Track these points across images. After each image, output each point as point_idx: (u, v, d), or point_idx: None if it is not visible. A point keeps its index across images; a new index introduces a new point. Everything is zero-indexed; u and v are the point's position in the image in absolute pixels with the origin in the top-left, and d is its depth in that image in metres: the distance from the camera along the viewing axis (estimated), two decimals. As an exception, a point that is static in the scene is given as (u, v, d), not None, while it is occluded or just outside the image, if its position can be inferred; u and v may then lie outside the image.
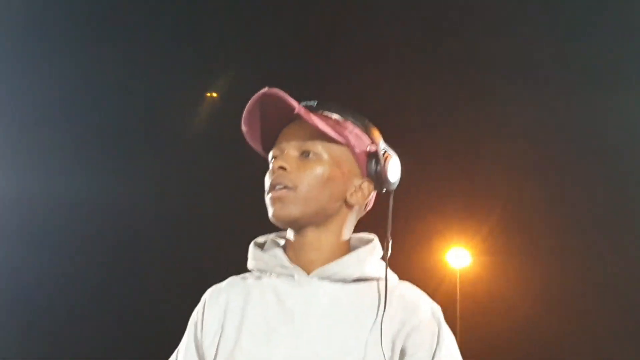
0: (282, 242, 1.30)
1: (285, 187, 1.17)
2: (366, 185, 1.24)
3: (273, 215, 1.19)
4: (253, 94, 1.20)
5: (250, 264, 1.27)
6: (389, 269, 1.23)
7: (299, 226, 1.21)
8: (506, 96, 8.79)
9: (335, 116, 1.22)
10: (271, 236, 1.31)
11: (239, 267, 1.33)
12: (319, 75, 8.48)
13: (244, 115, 1.20)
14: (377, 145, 1.23)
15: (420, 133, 8.44)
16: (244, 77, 8.28)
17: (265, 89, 1.17)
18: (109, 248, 8.67)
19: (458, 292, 10.18)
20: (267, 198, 1.19)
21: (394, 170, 1.25)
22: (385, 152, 1.24)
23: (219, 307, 1.24)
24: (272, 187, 1.18)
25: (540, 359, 9.23)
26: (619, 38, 7.92)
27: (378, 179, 1.23)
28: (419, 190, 8.32)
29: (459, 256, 10.41)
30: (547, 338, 9.25)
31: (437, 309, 1.22)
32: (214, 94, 9.00)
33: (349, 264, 1.20)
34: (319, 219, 1.21)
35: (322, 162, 1.18)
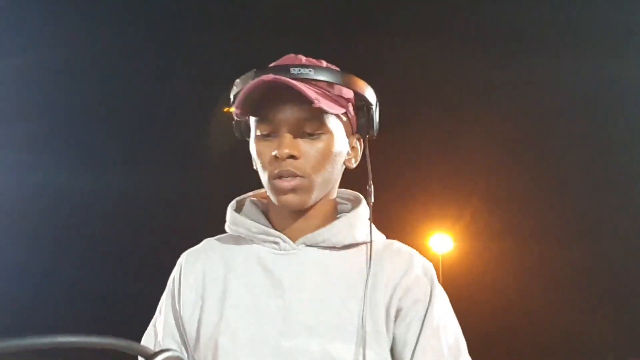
0: (263, 201, 1.24)
1: (296, 176, 1.10)
2: (358, 143, 1.20)
3: (284, 203, 1.12)
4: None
5: (228, 229, 1.21)
6: (376, 230, 1.19)
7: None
8: (488, 82, 8.77)
9: (329, 81, 1.14)
10: (249, 197, 1.25)
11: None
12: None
13: (241, 100, 1.09)
14: (365, 99, 1.17)
15: (404, 121, 8.41)
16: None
17: (273, 77, 1.07)
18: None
19: (440, 278, 10.16)
20: (274, 184, 1.11)
21: (378, 116, 1.21)
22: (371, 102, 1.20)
23: (196, 276, 1.17)
24: (280, 176, 1.10)
25: (522, 341, 9.28)
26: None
27: (369, 130, 1.19)
28: (401, 177, 8.32)
29: (441, 241, 10.45)
30: (529, 321, 9.29)
31: (430, 266, 1.19)
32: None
33: (339, 230, 1.16)
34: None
35: (327, 139, 1.12)
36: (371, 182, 1.16)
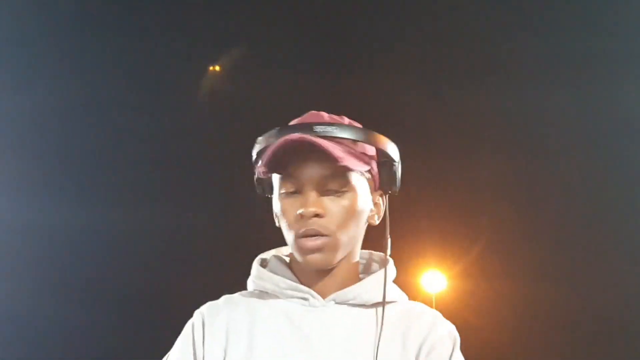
0: (286, 259, 1.24)
1: (321, 235, 1.12)
2: (381, 199, 1.23)
3: (309, 262, 1.14)
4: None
5: (253, 284, 1.21)
6: (400, 291, 1.23)
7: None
8: (481, 120, 8.76)
9: (352, 138, 1.15)
10: (273, 253, 1.25)
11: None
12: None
13: (268, 159, 1.10)
14: (388, 155, 1.19)
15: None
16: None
17: (299, 137, 1.08)
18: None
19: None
20: (300, 243, 1.14)
21: (400, 172, 1.23)
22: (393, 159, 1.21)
23: (219, 328, 1.16)
24: (305, 235, 1.12)
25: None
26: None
27: (392, 187, 1.22)
28: (392, 213, 8.23)
29: (434, 280, 10.29)
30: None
31: (453, 329, 1.22)
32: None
33: (371, 287, 1.17)
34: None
35: (351, 197, 1.14)
36: (388, 237, 1.20)
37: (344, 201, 1.13)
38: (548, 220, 9.16)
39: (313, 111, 1.19)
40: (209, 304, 1.22)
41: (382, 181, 1.20)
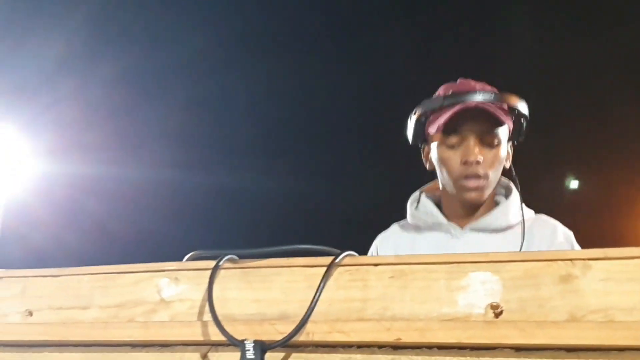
0: (432, 196, 1.53)
1: (480, 177, 1.39)
2: (511, 148, 1.48)
3: (469, 200, 1.43)
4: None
5: (410, 219, 1.53)
6: (526, 209, 1.45)
7: None
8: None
9: (503, 103, 1.41)
10: (423, 190, 1.55)
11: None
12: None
13: (445, 122, 1.40)
14: (521, 112, 1.43)
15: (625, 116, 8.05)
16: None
17: (475, 104, 1.38)
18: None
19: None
20: (462, 184, 1.41)
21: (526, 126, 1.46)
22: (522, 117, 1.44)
23: (388, 248, 1.50)
24: (469, 177, 1.40)
25: None
26: None
27: (519, 138, 1.47)
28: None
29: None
30: None
31: (570, 234, 1.42)
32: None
33: (496, 217, 1.43)
34: None
35: (500, 148, 1.41)
36: (516, 178, 1.46)
37: (495, 151, 1.40)
38: None
39: (462, 79, 1.45)
40: (381, 234, 1.57)
41: (514, 133, 1.46)
